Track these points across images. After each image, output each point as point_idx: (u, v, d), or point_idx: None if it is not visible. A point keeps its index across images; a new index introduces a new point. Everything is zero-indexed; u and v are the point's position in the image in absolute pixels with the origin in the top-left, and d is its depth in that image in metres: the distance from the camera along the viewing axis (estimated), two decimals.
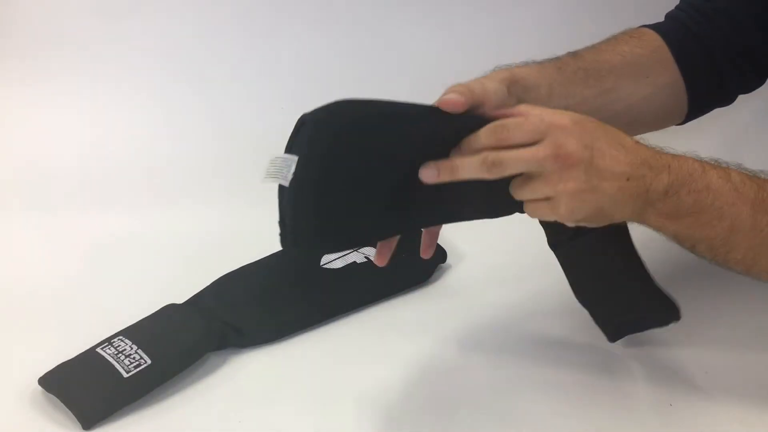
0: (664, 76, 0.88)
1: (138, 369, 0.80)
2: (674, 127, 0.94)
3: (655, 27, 0.91)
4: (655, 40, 0.89)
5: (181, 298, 0.91)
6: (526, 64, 0.84)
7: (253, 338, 0.88)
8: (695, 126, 0.95)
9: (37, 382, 0.80)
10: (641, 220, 0.73)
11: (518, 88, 0.80)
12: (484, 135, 0.69)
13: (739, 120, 1.22)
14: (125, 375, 0.80)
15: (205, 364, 0.85)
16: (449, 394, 0.82)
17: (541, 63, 0.85)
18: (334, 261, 0.96)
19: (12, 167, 1.13)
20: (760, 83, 0.92)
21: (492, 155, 0.68)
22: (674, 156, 0.72)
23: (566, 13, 1.22)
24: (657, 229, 0.73)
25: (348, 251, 0.97)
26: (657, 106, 0.89)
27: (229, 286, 0.93)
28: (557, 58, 0.86)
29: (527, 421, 0.79)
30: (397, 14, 1.21)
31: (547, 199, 0.69)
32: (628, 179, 0.69)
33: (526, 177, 0.69)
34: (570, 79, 0.84)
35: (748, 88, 0.92)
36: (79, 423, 0.77)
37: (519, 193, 0.70)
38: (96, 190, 1.12)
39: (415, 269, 0.97)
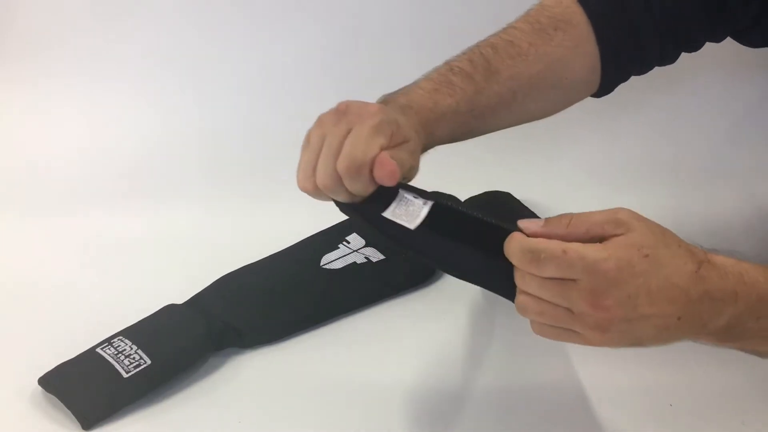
0: (583, 70, 0.84)
1: (138, 369, 0.80)
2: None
3: (587, 3, 0.84)
4: (582, 30, 0.83)
5: (181, 298, 0.91)
6: (435, 99, 0.78)
7: (253, 339, 0.88)
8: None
9: (37, 382, 0.80)
10: (692, 340, 0.65)
11: (424, 132, 0.76)
12: (514, 256, 0.62)
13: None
14: (125, 375, 0.80)
15: (205, 364, 0.85)
16: (450, 394, 0.82)
17: (455, 97, 0.78)
18: (333, 261, 0.96)
19: (11, 167, 1.13)
20: (675, 59, 0.89)
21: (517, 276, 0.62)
22: (741, 275, 0.63)
23: None
24: (711, 344, 0.66)
25: (348, 252, 0.97)
26: (568, 101, 0.87)
27: (229, 286, 0.93)
28: (472, 80, 0.79)
29: (527, 420, 0.79)
30: (400, 12, 1.21)
31: (574, 331, 0.62)
32: (679, 318, 0.61)
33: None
34: (479, 116, 0.80)
35: (664, 62, 0.89)
36: (79, 423, 0.77)
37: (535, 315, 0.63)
38: (96, 190, 1.12)
39: (415, 269, 0.96)
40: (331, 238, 0.99)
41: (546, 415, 0.79)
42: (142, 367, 0.81)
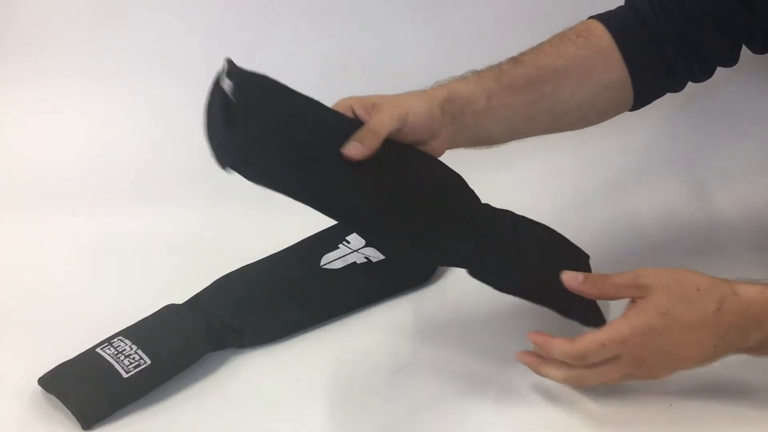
0: (609, 74, 0.88)
1: (138, 369, 0.80)
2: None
3: (606, 18, 0.90)
4: (602, 37, 0.88)
5: (181, 298, 0.91)
6: (464, 77, 0.85)
7: (252, 339, 0.88)
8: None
9: (37, 382, 0.80)
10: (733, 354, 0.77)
11: (453, 106, 0.82)
12: (567, 357, 0.75)
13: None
14: (125, 375, 0.80)
15: (205, 364, 0.85)
16: (450, 394, 0.82)
17: (479, 73, 0.86)
18: (333, 262, 0.96)
19: (11, 167, 1.13)
20: (709, 77, 0.92)
21: (575, 376, 0.76)
22: (765, 302, 0.73)
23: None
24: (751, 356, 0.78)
25: (348, 252, 0.97)
26: (601, 103, 0.90)
27: (229, 286, 0.93)
28: (498, 66, 0.87)
29: (526, 421, 0.79)
30: (399, 12, 1.21)
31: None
32: (714, 347, 0.74)
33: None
34: (508, 88, 0.85)
35: (697, 79, 0.92)
36: (78, 423, 0.77)
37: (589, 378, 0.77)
38: (96, 189, 1.12)
39: (415, 269, 0.96)
40: (331, 238, 0.99)
41: (546, 414, 0.79)
42: (142, 367, 0.81)
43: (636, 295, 0.74)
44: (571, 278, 0.77)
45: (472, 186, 0.83)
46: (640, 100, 0.91)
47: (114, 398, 0.79)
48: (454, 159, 0.84)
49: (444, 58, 1.19)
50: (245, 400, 0.82)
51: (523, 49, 0.89)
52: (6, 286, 0.97)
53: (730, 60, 0.91)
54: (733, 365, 0.83)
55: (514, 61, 0.87)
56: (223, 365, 0.86)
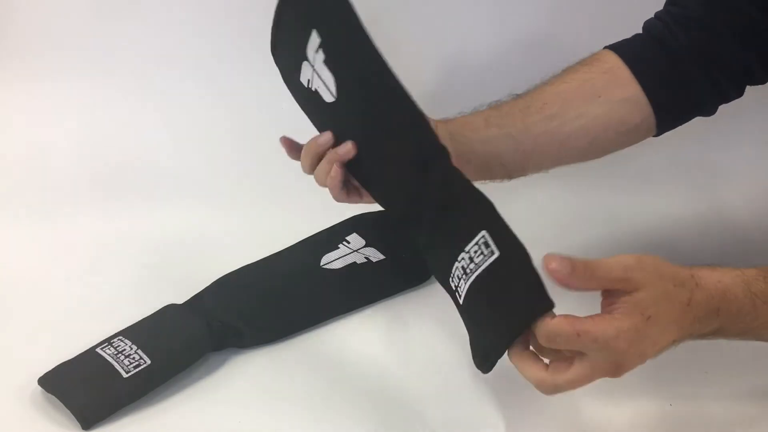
0: (620, 92, 0.85)
1: (137, 369, 0.80)
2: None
3: (617, 45, 0.88)
4: (609, 61, 0.87)
5: (181, 298, 0.91)
6: (461, 113, 0.86)
7: (252, 339, 0.88)
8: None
9: (36, 382, 0.80)
10: None
11: (451, 124, 0.83)
12: (539, 330, 0.66)
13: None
14: (125, 375, 0.80)
15: (205, 364, 0.85)
16: (450, 394, 0.82)
17: (478, 109, 0.86)
18: (333, 261, 0.96)
19: (11, 167, 1.13)
20: (739, 94, 0.89)
21: (549, 383, 0.68)
22: (724, 293, 0.70)
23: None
24: None
25: (348, 252, 0.97)
26: (616, 123, 0.86)
27: (229, 286, 0.93)
28: (497, 101, 0.87)
29: (526, 419, 0.79)
30: (408, 15, 1.21)
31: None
32: (674, 341, 0.69)
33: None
34: (507, 112, 0.85)
35: (727, 98, 0.88)
36: (78, 423, 0.77)
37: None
38: (96, 189, 1.12)
39: (415, 269, 0.96)
40: (331, 238, 0.99)
41: (546, 413, 0.80)
42: (142, 367, 0.81)
43: (625, 289, 0.66)
44: (558, 266, 0.64)
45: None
46: (663, 123, 0.88)
47: (114, 398, 0.79)
48: None
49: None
50: (245, 400, 0.82)
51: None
52: (6, 286, 0.97)
53: (760, 75, 0.87)
54: (732, 365, 0.83)
55: (515, 95, 0.87)
56: (223, 365, 0.86)
